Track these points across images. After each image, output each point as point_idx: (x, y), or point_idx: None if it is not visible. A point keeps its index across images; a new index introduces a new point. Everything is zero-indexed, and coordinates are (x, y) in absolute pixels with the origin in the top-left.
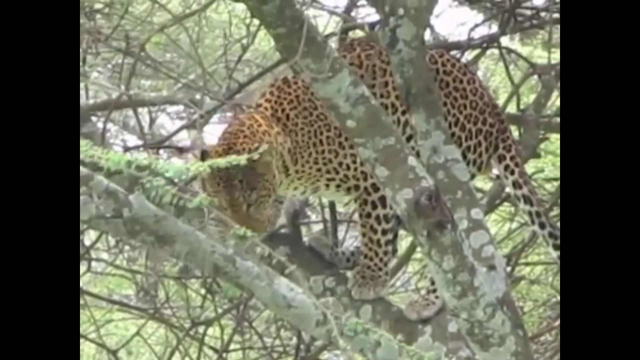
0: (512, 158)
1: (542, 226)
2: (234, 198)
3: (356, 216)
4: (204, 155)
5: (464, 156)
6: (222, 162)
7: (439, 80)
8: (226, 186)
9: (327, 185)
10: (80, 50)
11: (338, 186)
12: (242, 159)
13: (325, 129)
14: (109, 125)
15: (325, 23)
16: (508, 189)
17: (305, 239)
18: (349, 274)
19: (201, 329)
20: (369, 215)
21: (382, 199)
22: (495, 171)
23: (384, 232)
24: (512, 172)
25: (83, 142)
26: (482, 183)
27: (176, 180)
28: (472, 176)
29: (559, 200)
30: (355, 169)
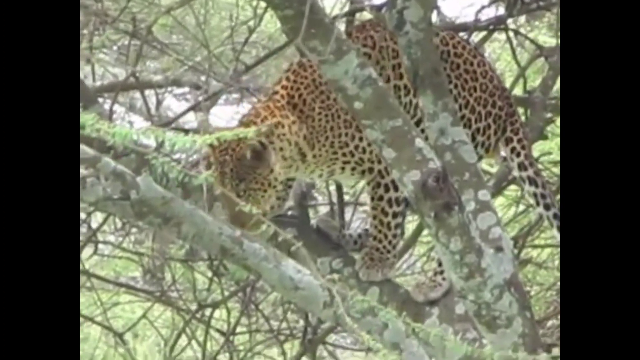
0: (519, 141)
1: (547, 208)
2: (223, 185)
3: (363, 198)
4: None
5: (473, 138)
6: (227, 134)
7: (449, 63)
8: (220, 173)
9: (343, 169)
10: (87, 32)
11: (353, 169)
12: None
13: (343, 112)
14: (116, 107)
15: (332, 5)
16: (514, 172)
17: (312, 221)
18: (356, 255)
19: (208, 312)
20: (381, 198)
21: (395, 182)
22: (502, 154)
23: (395, 215)
24: (519, 155)
25: (89, 117)
26: (489, 166)
27: (182, 161)
28: (480, 158)
29: (560, 183)
30: (371, 152)
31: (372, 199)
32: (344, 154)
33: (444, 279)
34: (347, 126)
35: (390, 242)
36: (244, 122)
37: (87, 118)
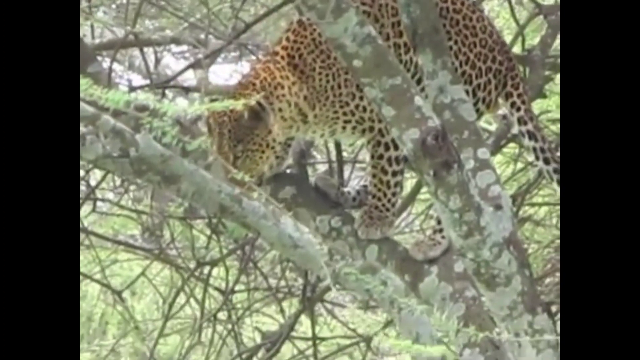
0: (519, 95)
1: (546, 162)
2: (221, 146)
3: (362, 156)
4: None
5: (474, 94)
6: (218, 105)
7: (449, 19)
8: (218, 133)
9: (344, 128)
10: None
11: (354, 128)
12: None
13: (343, 72)
14: (115, 65)
15: None
16: (514, 128)
17: (311, 179)
18: (355, 213)
19: (206, 270)
20: (380, 157)
21: (395, 141)
22: (502, 110)
23: (394, 174)
24: (518, 109)
25: (83, 81)
26: (488, 124)
27: (181, 119)
28: (481, 114)
29: (560, 140)
30: (371, 111)
31: (372, 157)
32: (344, 113)
33: (443, 237)
34: (348, 85)
35: (389, 201)
36: (243, 84)
37: (82, 82)
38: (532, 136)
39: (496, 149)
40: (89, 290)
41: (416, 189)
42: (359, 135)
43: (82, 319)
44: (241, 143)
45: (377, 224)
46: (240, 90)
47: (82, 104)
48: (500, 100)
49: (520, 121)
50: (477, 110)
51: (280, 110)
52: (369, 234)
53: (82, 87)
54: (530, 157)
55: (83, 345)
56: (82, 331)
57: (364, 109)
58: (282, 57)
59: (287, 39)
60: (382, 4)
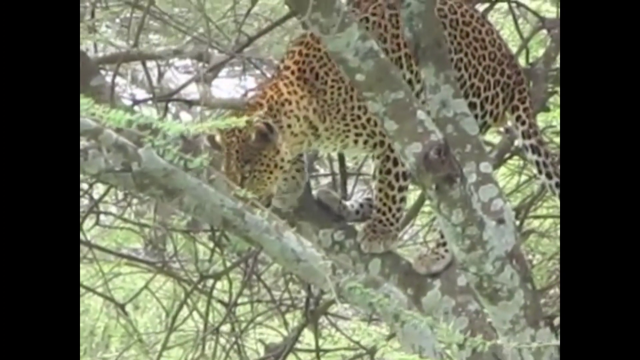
0: (525, 110)
1: (549, 176)
2: (229, 167)
3: (365, 169)
4: (213, 140)
5: (482, 107)
6: (221, 124)
7: (459, 31)
8: (226, 154)
9: (356, 142)
10: (89, 3)
11: (365, 142)
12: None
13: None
14: (118, 79)
15: None
16: (517, 141)
17: (314, 192)
18: (358, 226)
19: (209, 283)
20: (389, 172)
21: None
22: (509, 123)
23: (400, 189)
24: (523, 123)
25: (84, 101)
26: (492, 137)
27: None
28: (488, 127)
29: (560, 153)
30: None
31: (380, 172)
32: (355, 126)
33: (446, 251)
34: (360, 99)
35: (394, 215)
36: (251, 104)
37: (83, 102)
38: (535, 150)
39: (499, 162)
40: (91, 304)
41: (420, 202)
42: (370, 149)
43: (85, 333)
44: (249, 163)
45: (380, 238)
46: (248, 110)
47: (84, 118)
48: (507, 114)
49: (525, 135)
50: (485, 123)
51: (289, 126)
52: (372, 247)
53: (83, 107)
54: (534, 171)
55: (86, 359)
56: (84, 345)
57: (375, 123)
58: (292, 72)
59: (300, 52)
60: (392, 14)
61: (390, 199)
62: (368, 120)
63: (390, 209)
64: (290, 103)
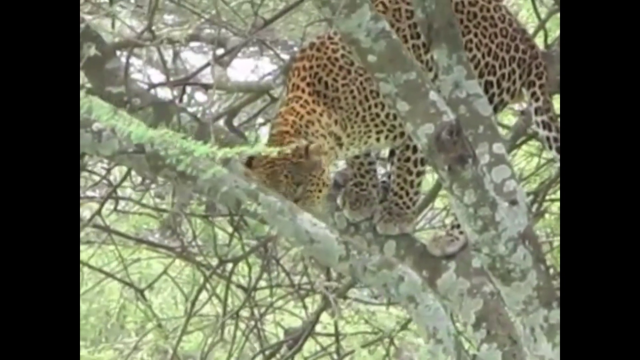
0: (540, 86)
1: (559, 151)
2: (280, 194)
3: (382, 153)
4: (250, 162)
5: (499, 84)
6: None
7: (466, 13)
8: (272, 183)
9: (378, 139)
10: None
11: (386, 137)
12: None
13: (368, 84)
14: (133, 60)
15: None
16: (532, 116)
17: (331, 175)
18: None
19: (228, 267)
20: (407, 159)
21: None
22: (519, 105)
23: (418, 174)
24: (537, 99)
25: (104, 110)
26: (507, 119)
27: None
28: (505, 104)
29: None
30: None
31: (399, 159)
32: (376, 125)
33: (460, 232)
34: (374, 96)
35: (410, 199)
36: (276, 135)
37: (102, 112)
38: (546, 126)
39: (514, 145)
40: (111, 289)
41: (438, 185)
42: (391, 142)
43: (100, 314)
44: (301, 186)
45: (395, 220)
46: (278, 140)
47: (99, 101)
48: (524, 89)
49: (538, 111)
50: (502, 101)
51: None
52: (387, 229)
53: (102, 118)
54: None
55: (102, 340)
56: (100, 326)
57: (394, 117)
58: (303, 90)
59: (304, 67)
60: (397, 9)
61: (408, 183)
62: (387, 115)
63: (407, 193)
64: (313, 124)
